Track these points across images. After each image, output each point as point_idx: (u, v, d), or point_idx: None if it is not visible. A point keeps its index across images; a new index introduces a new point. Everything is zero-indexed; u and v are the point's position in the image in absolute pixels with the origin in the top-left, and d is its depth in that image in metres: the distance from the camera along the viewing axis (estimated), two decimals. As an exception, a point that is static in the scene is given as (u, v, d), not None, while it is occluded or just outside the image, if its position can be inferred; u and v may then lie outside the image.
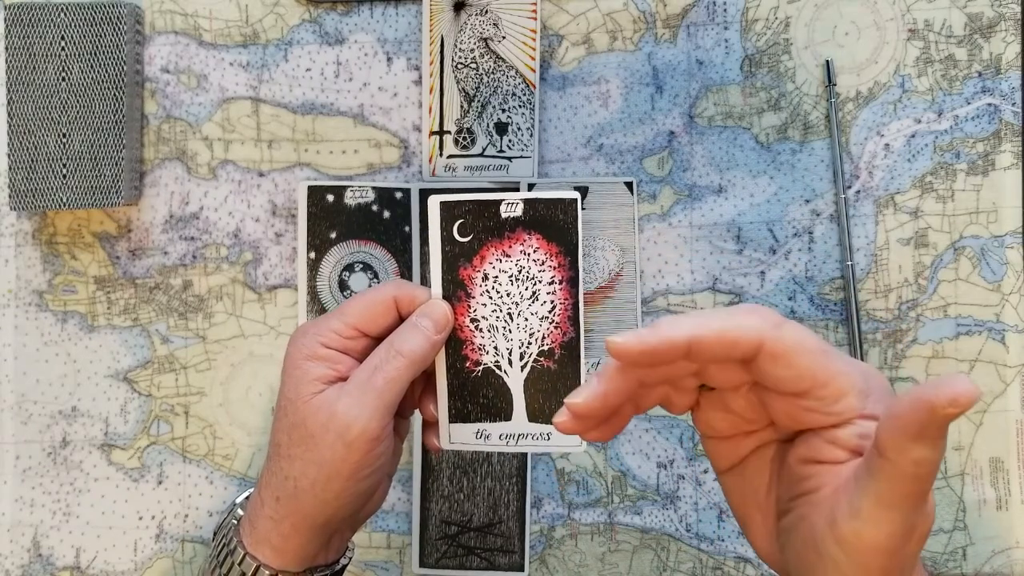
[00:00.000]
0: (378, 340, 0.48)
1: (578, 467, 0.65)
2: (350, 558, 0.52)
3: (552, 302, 0.48)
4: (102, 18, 0.62)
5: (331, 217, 0.64)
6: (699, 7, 0.65)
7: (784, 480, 0.39)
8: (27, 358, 0.65)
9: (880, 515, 0.34)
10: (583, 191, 0.64)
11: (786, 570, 0.40)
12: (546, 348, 0.49)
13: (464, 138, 0.64)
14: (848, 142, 0.64)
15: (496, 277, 0.48)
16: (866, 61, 0.64)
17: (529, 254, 0.48)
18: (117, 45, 0.62)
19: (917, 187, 0.64)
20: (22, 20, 0.62)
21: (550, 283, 0.48)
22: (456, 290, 0.48)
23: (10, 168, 0.62)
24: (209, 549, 0.51)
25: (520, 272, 0.48)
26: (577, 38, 0.65)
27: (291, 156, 0.65)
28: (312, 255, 0.64)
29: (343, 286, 0.64)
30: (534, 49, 0.64)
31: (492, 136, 0.64)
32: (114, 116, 0.62)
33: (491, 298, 0.48)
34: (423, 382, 0.50)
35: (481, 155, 0.64)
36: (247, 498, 0.51)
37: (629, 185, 0.64)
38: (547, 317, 0.48)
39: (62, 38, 0.62)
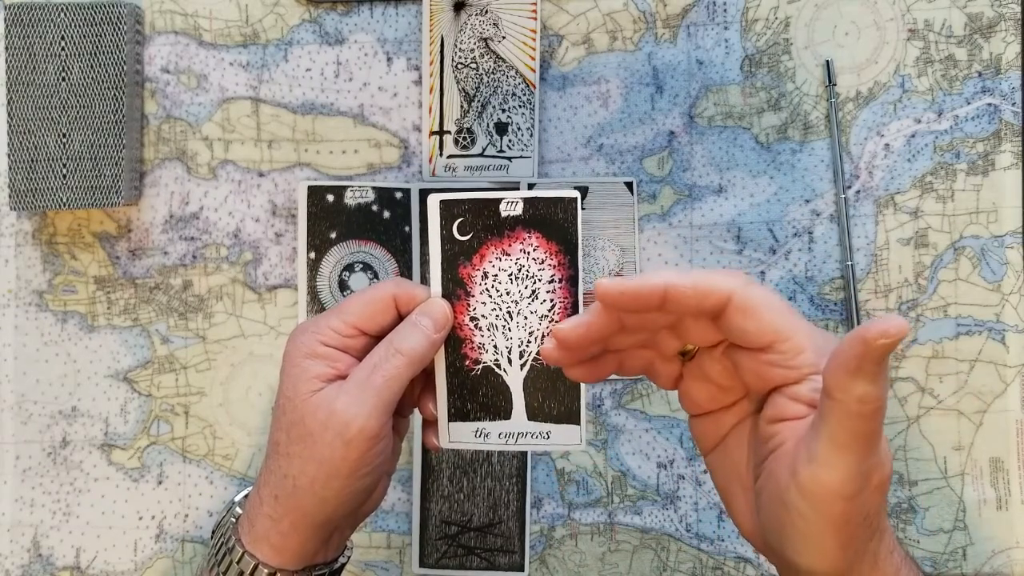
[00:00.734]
0: (377, 338, 0.48)
1: (578, 467, 0.65)
2: (348, 556, 0.52)
3: (552, 301, 0.48)
4: (102, 18, 0.62)
5: (331, 217, 0.64)
6: (699, 7, 0.65)
7: (756, 446, 0.42)
8: (27, 358, 0.65)
9: (834, 457, 0.37)
10: (583, 191, 0.64)
11: (766, 543, 0.42)
12: None
13: (464, 138, 0.64)
14: (848, 142, 0.64)
15: (496, 276, 0.48)
16: (866, 61, 0.64)
17: (529, 253, 0.48)
18: (117, 45, 0.62)
19: (917, 187, 0.64)
20: (22, 20, 0.62)
21: (550, 282, 0.48)
22: (456, 288, 0.48)
23: (10, 168, 0.62)
24: (208, 547, 0.51)
25: (520, 271, 0.48)
26: (577, 38, 0.65)
27: (291, 156, 0.65)
28: (312, 255, 0.64)
29: (343, 286, 0.64)
30: (534, 49, 0.64)
31: (492, 136, 0.64)
32: (114, 116, 0.62)
33: (491, 296, 0.48)
34: (422, 381, 0.50)
35: (481, 155, 0.64)
36: (246, 496, 0.51)
37: (629, 185, 0.64)
38: (547, 316, 0.48)
39: (62, 38, 0.62)
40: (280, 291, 0.65)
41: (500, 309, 0.48)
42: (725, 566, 0.64)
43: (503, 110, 0.64)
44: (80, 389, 0.65)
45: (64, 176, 0.62)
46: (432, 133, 0.64)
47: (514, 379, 0.49)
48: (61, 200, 0.62)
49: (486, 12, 0.64)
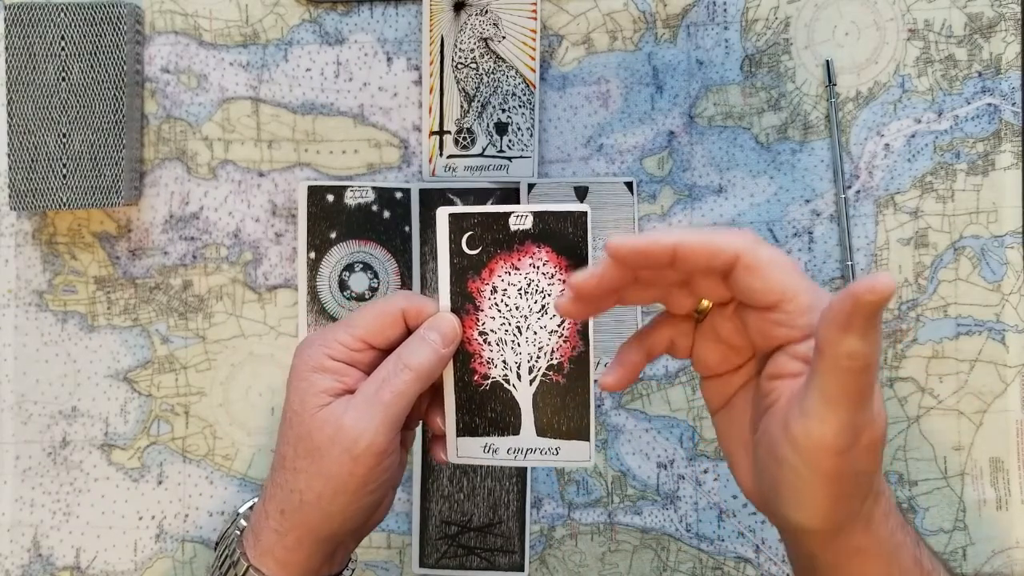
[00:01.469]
0: (385, 353, 0.47)
1: (578, 467, 0.65)
2: (352, 569, 0.52)
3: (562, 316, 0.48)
4: (102, 18, 0.62)
5: (331, 217, 0.64)
6: (699, 7, 0.65)
7: (756, 403, 0.43)
8: (27, 358, 0.65)
9: (825, 412, 0.37)
10: (583, 191, 0.64)
11: (763, 501, 0.43)
12: (555, 362, 0.48)
13: (464, 138, 0.64)
14: (848, 142, 0.64)
15: (505, 290, 0.47)
16: (866, 61, 0.64)
17: (538, 267, 0.47)
18: (117, 45, 0.62)
19: (917, 187, 0.64)
20: (22, 20, 0.62)
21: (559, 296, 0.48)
22: (464, 303, 0.48)
23: (10, 168, 0.62)
24: (211, 559, 0.51)
25: (529, 285, 0.48)
26: (577, 38, 0.65)
27: (291, 156, 0.65)
28: (312, 255, 0.64)
29: (343, 286, 0.64)
30: (534, 49, 0.64)
31: (492, 136, 0.64)
32: (114, 116, 0.62)
33: (500, 311, 0.48)
34: (430, 395, 0.49)
35: (481, 155, 0.64)
36: (250, 508, 0.51)
37: (629, 185, 0.64)
38: (556, 331, 0.48)
39: (62, 38, 0.62)
40: (280, 291, 0.65)
41: (509, 324, 0.48)
42: (725, 566, 0.64)
43: (503, 110, 0.64)
44: (80, 389, 0.65)
45: (64, 176, 0.62)
46: (432, 133, 0.64)
47: (523, 394, 0.48)
48: (61, 200, 0.62)
49: (486, 12, 0.64)
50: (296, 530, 0.46)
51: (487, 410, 0.48)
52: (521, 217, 0.47)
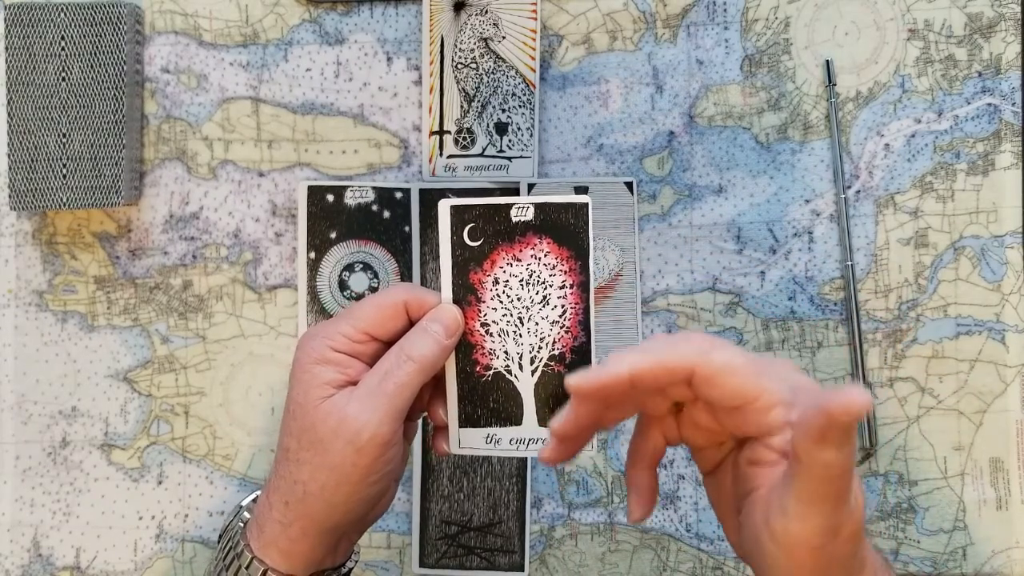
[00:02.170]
0: (387, 344, 0.47)
1: (578, 467, 0.65)
2: (356, 561, 0.52)
3: (563, 306, 0.48)
4: (102, 18, 0.62)
5: (331, 217, 0.64)
6: (699, 7, 0.65)
7: (738, 482, 0.44)
8: (27, 358, 0.65)
9: (803, 512, 0.39)
10: (583, 191, 0.64)
11: (755, 568, 0.44)
12: (557, 352, 0.48)
13: (464, 138, 0.64)
14: (848, 142, 0.64)
15: (507, 281, 0.48)
16: (866, 61, 0.64)
17: (540, 258, 0.48)
18: (117, 45, 0.62)
19: (917, 187, 0.64)
20: (22, 20, 0.62)
21: (561, 287, 0.48)
22: (466, 294, 0.48)
23: (10, 168, 0.62)
24: (214, 551, 0.51)
25: (531, 276, 0.48)
26: (577, 38, 0.65)
27: (291, 156, 0.65)
28: (312, 255, 0.64)
29: (343, 286, 0.64)
30: (534, 49, 0.64)
31: (492, 136, 0.64)
32: (114, 116, 0.62)
33: (501, 302, 0.48)
34: (432, 386, 0.50)
35: (481, 155, 0.64)
36: (253, 500, 0.51)
37: (629, 185, 0.64)
38: (558, 321, 0.48)
39: (62, 38, 0.62)
40: (280, 291, 0.65)
41: (511, 315, 0.48)
42: (725, 566, 0.64)
43: (503, 110, 0.64)
44: (80, 389, 0.65)
45: (64, 176, 0.62)
46: (432, 133, 0.64)
47: (525, 385, 0.48)
48: (61, 200, 0.62)
49: (486, 12, 0.64)
50: (300, 521, 0.46)
51: (489, 401, 0.49)
52: (523, 208, 0.47)
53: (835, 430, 0.36)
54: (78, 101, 0.62)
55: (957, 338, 0.64)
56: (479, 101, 0.64)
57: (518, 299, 0.48)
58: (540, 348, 0.48)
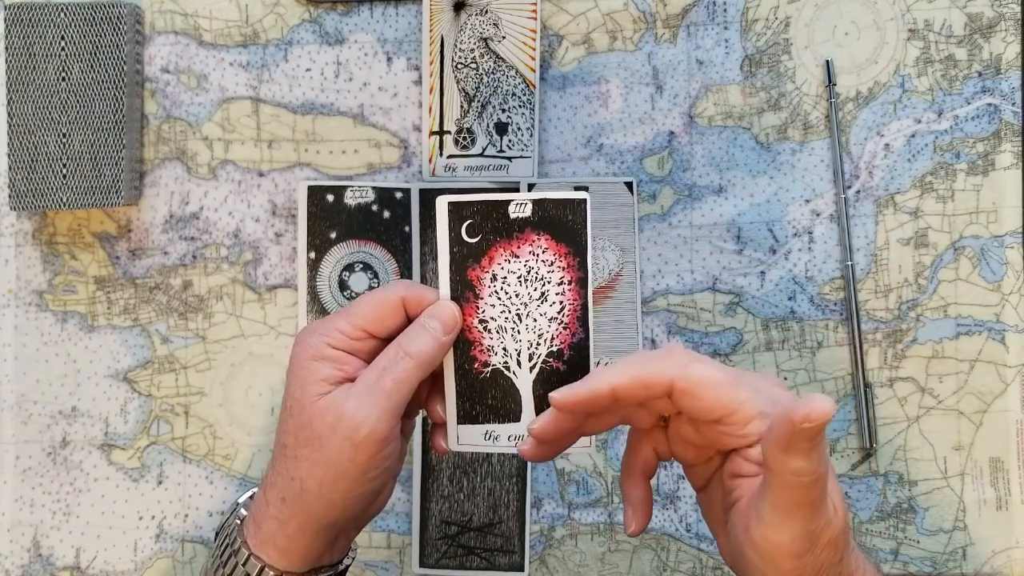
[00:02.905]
0: (385, 341, 0.47)
1: (578, 467, 0.65)
2: (353, 558, 0.52)
3: (561, 303, 0.48)
4: (102, 18, 0.62)
5: (331, 217, 0.64)
6: (699, 7, 0.65)
7: (724, 495, 0.45)
8: (27, 358, 0.65)
9: (779, 521, 0.39)
10: (583, 191, 0.64)
11: (741, 574, 0.45)
12: (555, 349, 0.48)
13: (464, 138, 0.64)
14: (848, 142, 0.64)
15: (505, 278, 0.48)
16: (866, 61, 0.64)
17: (538, 255, 0.47)
18: (117, 45, 0.62)
19: (917, 187, 0.64)
20: (22, 20, 0.62)
21: (559, 284, 0.48)
22: (464, 291, 0.48)
23: (10, 168, 0.62)
24: (211, 548, 0.51)
25: (529, 273, 0.48)
26: (577, 38, 0.65)
27: (291, 156, 0.65)
28: (312, 255, 0.64)
29: (343, 286, 0.64)
30: (534, 49, 0.64)
31: (492, 136, 0.64)
32: (114, 116, 0.62)
33: (500, 299, 0.48)
34: (430, 383, 0.49)
35: (481, 155, 0.64)
36: (250, 497, 0.51)
37: (629, 185, 0.64)
38: (556, 318, 0.48)
39: (62, 38, 0.62)
40: (280, 291, 0.65)
41: (509, 311, 0.48)
42: (725, 566, 0.64)
43: (503, 110, 0.64)
44: (80, 389, 0.65)
45: (64, 176, 0.62)
46: (432, 133, 0.64)
47: (523, 381, 0.48)
48: (61, 200, 0.62)
49: (486, 12, 0.64)
50: (297, 518, 0.46)
51: (487, 397, 0.49)
52: (521, 205, 0.47)
53: (800, 439, 0.37)
54: (78, 101, 0.62)
55: (957, 338, 0.64)
56: (479, 101, 0.64)
57: (516, 295, 0.48)
58: (538, 345, 0.48)
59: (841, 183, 0.64)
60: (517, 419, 0.49)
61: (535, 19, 0.64)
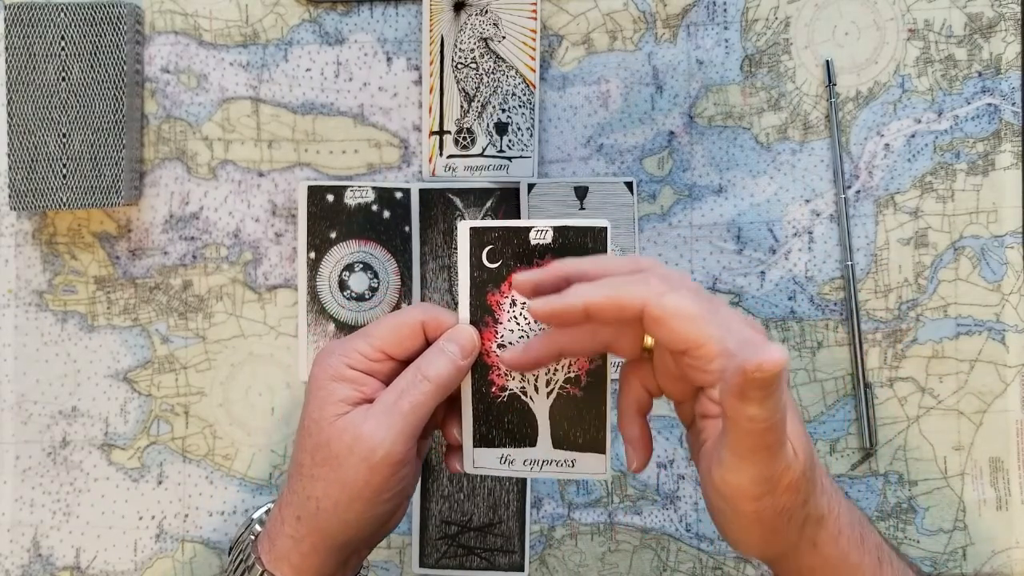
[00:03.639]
0: (404, 363, 0.48)
1: (578, 467, 0.65)
2: None
3: None
4: (102, 18, 0.62)
5: (331, 217, 0.64)
6: (699, 7, 0.65)
7: (696, 436, 0.45)
8: (27, 358, 0.65)
9: (737, 464, 0.40)
10: (583, 191, 0.64)
11: (713, 517, 0.45)
12: (572, 375, 0.48)
13: (464, 138, 0.64)
14: (848, 142, 0.64)
15: (524, 303, 0.48)
16: (866, 61, 0.64)
17: None
18: (117, 45, 0.62)
19: (917, 187, 0.64)
20: (22, 20, 0.62)
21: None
22: (483, 315, 0.48)
23: (10, 168, 0.62)
24: (214, 560, 0.51)
25: None
26: (577, 38, 0.65)
27: (291, 156, 0.65)
28: (312, 255, 0.64)
29: (343, 286, 0.64)
30: (534, 49, 0.64)
31: (492, 136, 0.64)
32: (114, 116, 0.62)
33: (518, 324, 0.48)
34: (447, 405, 0.50)
35: (481, 155, 0.64)
36: (265, 512, 0.51)
37: (629, 185, 0.64)
38: None
39: (62, 38, 0.62)
40: (280, 291, 0.65)
41: (527, 337, 0.48)
42: (725, 566, 0.64)
43: (503, 110, 0.64)
44: (80, 389, 0.65)
45: (64, 176, 0.62)
46: (432, 133, 0.64)
47: (540, 406, 0.48)
48: (61, 200, 0.62)
49: (486, 12, 0.64)
50: (311, 536, 0.47)
51: (504, 421, 0.49)
52: (541, 232, 0.47)
53: (753, 387, 0.37)
54: (78, 101, 0.62)
55: (957, 338, 0.64)
56: (479, 101, 0.64)
57: (535, 321, 0.48)
58: (556, 370, 0.48)
59: (841, 183, 0.64)
60: (533, 444, 0.49)
61: (535, 19, 0.64)
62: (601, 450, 0.49)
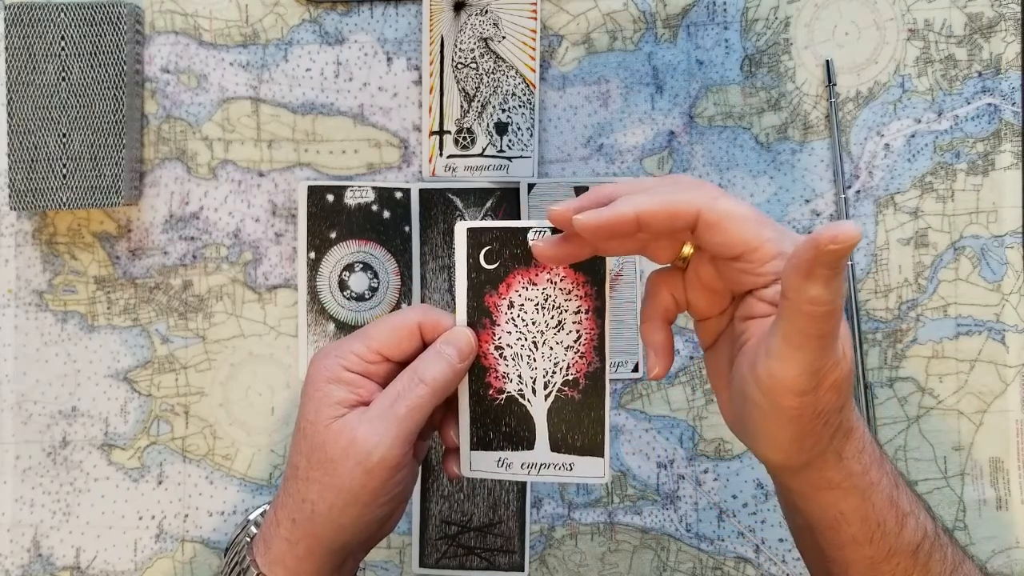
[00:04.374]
0: (401, 366, 0.47)
1: (578, 467, 0.64)
2: None
3: (578, 332, 0.47)
4: (102, 18, 0.62)
5: (331, 217, 0.64)
6: (699, 7, 0.65)
7: (732, 344, 0.44)
8: (27, 358, 0.65)
9: (788, 353, 0.39)
10: (583, 191, 0.64)
11: (741, 435, 0.45)
12: (571, 378, 0.48)
13: (464, 138, 0.64)
14: (848, 142, 0.64)
15: (522, 305, 0.47)
16: (866, 61, 0.64)
17: (556, 283, 0.47)
18: (117, 45, 0.62)
19: (917, 187, 0.64)
20: (22, 20, 0.62)
21: (576, 312, 0.47)
22: (481, 317, 0.48)
23: (10, 168, 0.62)
24: (214, 561, 0.51)
25: (546, 301, 0.47)
26: (577, 38, 0.65)
27: (291, 156, 0.65)
28: (312, 255, 0.64)
29: (343, 286, 0.64)
30: (534, 49, 0.64)
31: (492, 136, 0.64)
32: (114, 116, 0.62)
33: (516, 326, 0.48)
34: (444, 407, 0.49)
35: (481, 155, 0.64)
36: (261, 514, 0.51)
37: (629, 185, 0.64)
38: (572, 347, 0.48)
39: (62, 38, 0.62)
40: (280, 291, 0.65)
41: (525, 339, 0.48)
42: (725, 566, 0.64)
43: (503, 110, 0.64)
44: (80, 389, 0.65)
45: (64, 176, 0.62)
46: (432, 133, 0.64)
47: (538, 410, 0.48)
48: (61, 200, 0.62)
49: (486, 12, 0.64)
50: (307, 539, 0.46)
51: (501, 424, 0.48)
52: (540, 232, 0.47)
53: (823, 264, 0.36)
54: (78, 101, 0.62)
55: (957, 338, 0.64)
56: (479, 101, 0.64)
57: (533, 323, 0.47)
58: (554, 373, 0.48)
59: (841, 183, 0.64)
60: (531, 447, 0.48)
61: (535, 19, 0.64)
62: (599, 453, 0.48)
